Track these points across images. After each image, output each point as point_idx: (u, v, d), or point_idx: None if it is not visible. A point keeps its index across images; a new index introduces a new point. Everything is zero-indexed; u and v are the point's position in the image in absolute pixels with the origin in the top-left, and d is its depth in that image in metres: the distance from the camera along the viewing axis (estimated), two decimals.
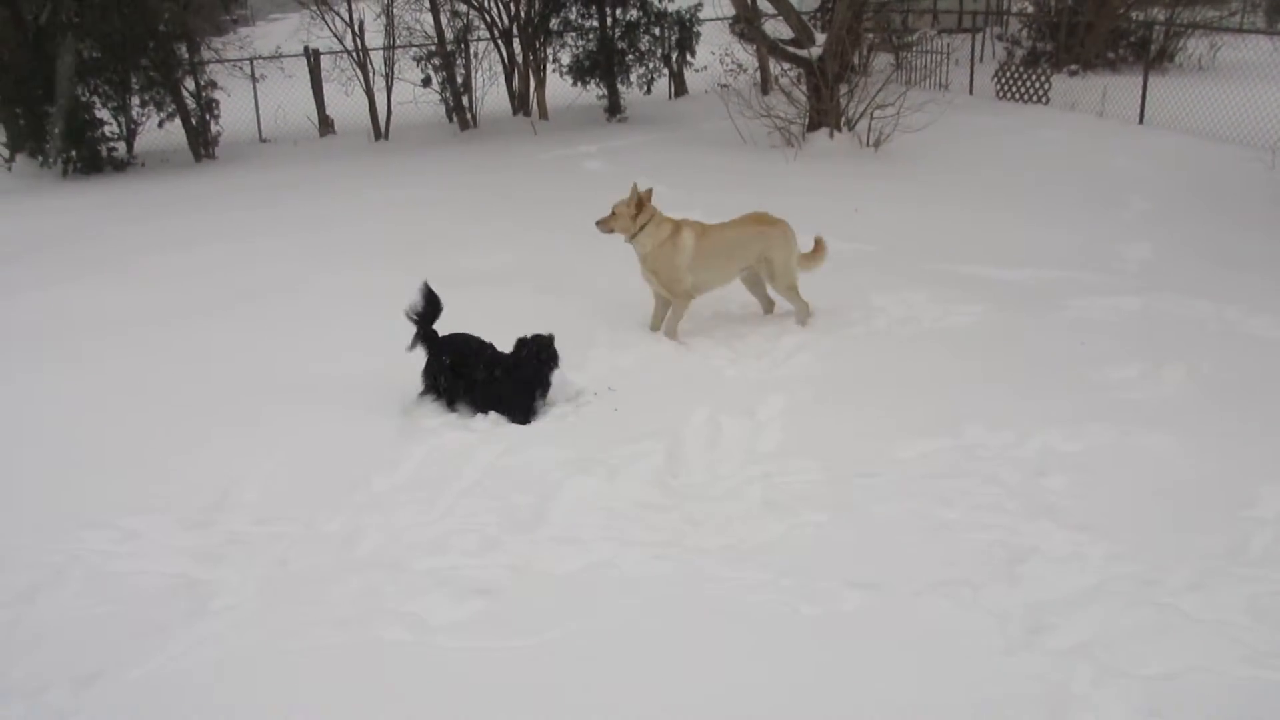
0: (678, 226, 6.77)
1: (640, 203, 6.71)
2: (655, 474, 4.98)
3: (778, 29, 16.09)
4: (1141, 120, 14.16)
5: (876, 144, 12.98)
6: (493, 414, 5.68)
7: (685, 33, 18.49)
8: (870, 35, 15.52)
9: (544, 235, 9.43)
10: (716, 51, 18.18)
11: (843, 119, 13.57)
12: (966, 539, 4.28)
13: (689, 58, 19.06)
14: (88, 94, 15.34)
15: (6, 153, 15.69)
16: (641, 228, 6.72)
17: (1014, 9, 21.94)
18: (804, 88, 14.03)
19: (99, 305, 7.84)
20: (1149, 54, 15.86)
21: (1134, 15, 19.27)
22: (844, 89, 13.57)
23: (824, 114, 13.60)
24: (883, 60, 16.92)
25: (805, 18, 15.59)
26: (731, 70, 17.48)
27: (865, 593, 3.91)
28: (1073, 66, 18.18)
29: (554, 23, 17.76)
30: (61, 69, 14.62)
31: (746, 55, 17.67)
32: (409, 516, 4.65)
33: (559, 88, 18.00)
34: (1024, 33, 19.89)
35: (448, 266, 8.30)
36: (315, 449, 5.34)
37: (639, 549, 4.29)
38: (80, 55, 15.00)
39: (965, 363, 6.25)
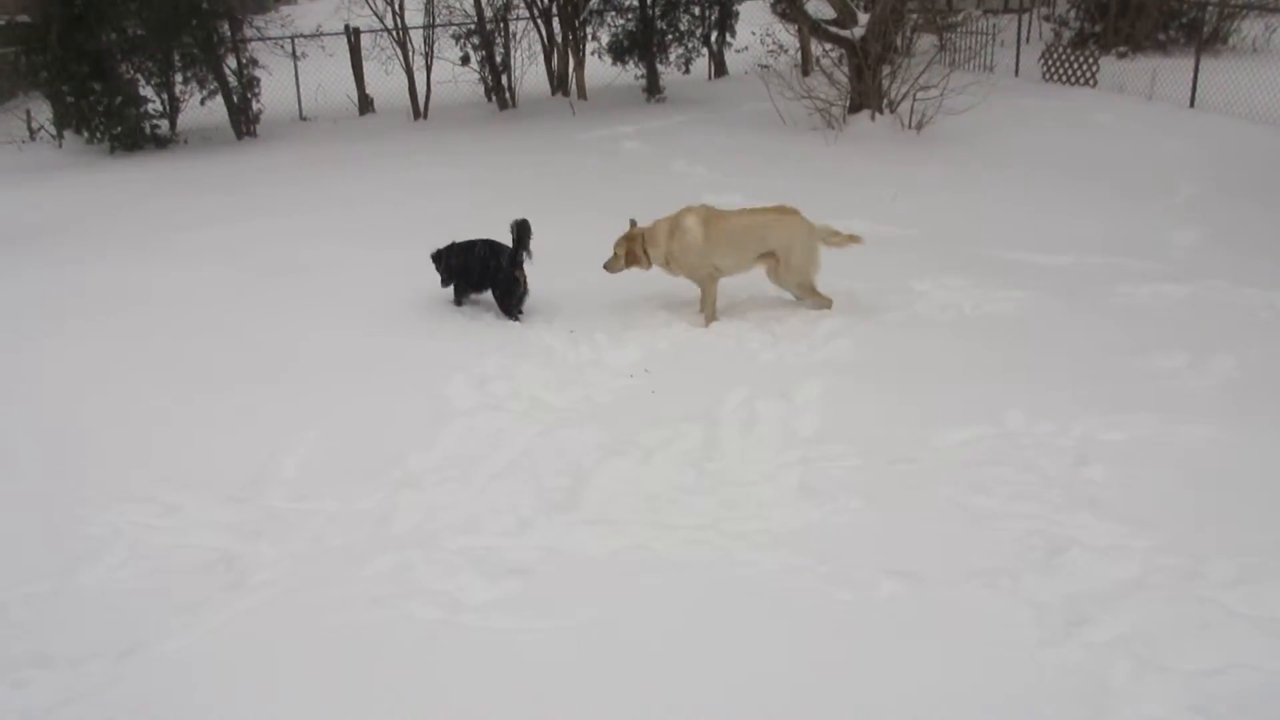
0: (676, 218, 6.73)
1: (635, 238, 6.78)
2: (691, 457, 4.96)
3: (819, 9, 15.90)
4: (1193, 104, 13.84)
5: (919, 126, 12.81)
6: (527, 395, 5.70)
7: (725, 12, 18.35)
8: (914, 16, 15.29)
9: (583, 216, 9.40)
10: (757, 32, 18.00)
11: (884, 101, 13.40)
12: (1005, 528, 4.23)
13: (729, 38, 18.92)
14: (131, 71, 15.50)
15: (55, 130, 15.92)
16: (645, 253, 6.77)
17: None
18: (845, 69, 13.86)
19: (141, 281, 7.93)
20: (1201, 35, 15.49)
21: None
22: (886, 70, 13.39)
23: (865, 95, 13.43)
24: (926, 41, 16.69)
25: None
26: (772, 51, 17.31)
27: (901, 580, 3.88)
28: (1121, 48, 17.81)
29: (594, 1, 17.67)
30: (106, 47, 14.79)
31: (787, 35, 17.49)
32: (444, 495, 4.68)
33: (597, 67, 17.93)
34: (1072, 14, 19.51)
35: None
36: (352, 426, 5.38)
37: (673, 533, 4.28)
38: (124, 33, 15.15)
39: (1006, 350, 6.16)
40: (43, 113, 16.21)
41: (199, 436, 5.32)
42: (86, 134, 15.37)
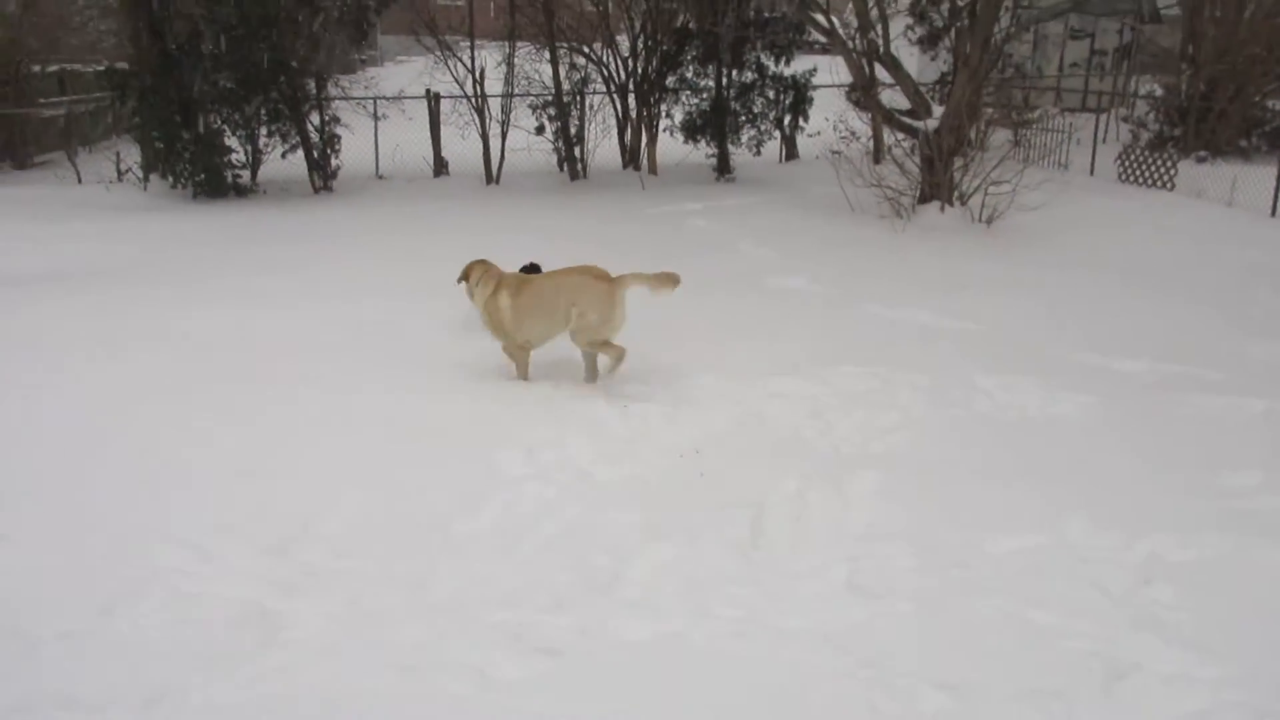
0: (498, 284, 6.82)
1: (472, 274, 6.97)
2: (737, 545, 4.84)
3: (894, 98, 15.99)
4: (1274, 213, 13.56)
5: (989, 220, 12.70)
6: (574, 468, 5.63)
7: (800, 97, 18.51)
8: (989, 110, 15.27)
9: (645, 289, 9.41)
10: (830, 117, 18.12)
11: (955, 193, 13.33)
12: (1062, 647, 4.02)
13: (802, 122, 19.06)
14: (219, 122, 16.03)
15: (142, 173, 16.49)
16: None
17: (1141, 91, 21.39)
18: (917, 159, 13.85)
19: (201, 323, 8.07)
20: None
21: (1270, 103, 18.61)
22: (958, 163, 13.35)
23: (936, 187, 13.38)
24: (1000, 136, 16.64)
25: (923, 89, 15.47)
26: (844, 137, 17.39)
27: (948, 694, 3.69)
28: (1201, 153, 17.60)
29: (670, 80, 17.96)
30: (197, 98, 15.35)
31: (860, 123, 17.57)
32: (483, 565, 4.60)
33: (669, 144, 18.15)
34: (1151, 116, 19.37)
35: None
36: (398, 487, 5.35)
37: (714, 623, 4.15)
38: (215, 84, 15.72)
39: (1069, 455, 5.95)
40: (131, 155, 16.81)
41: (242, 485, 5.32)
42: (171, 179, 15.88)
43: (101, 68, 19.01)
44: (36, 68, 20.03)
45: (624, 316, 6.69)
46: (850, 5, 14.74)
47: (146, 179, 16.46)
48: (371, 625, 4.11)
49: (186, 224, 13.36)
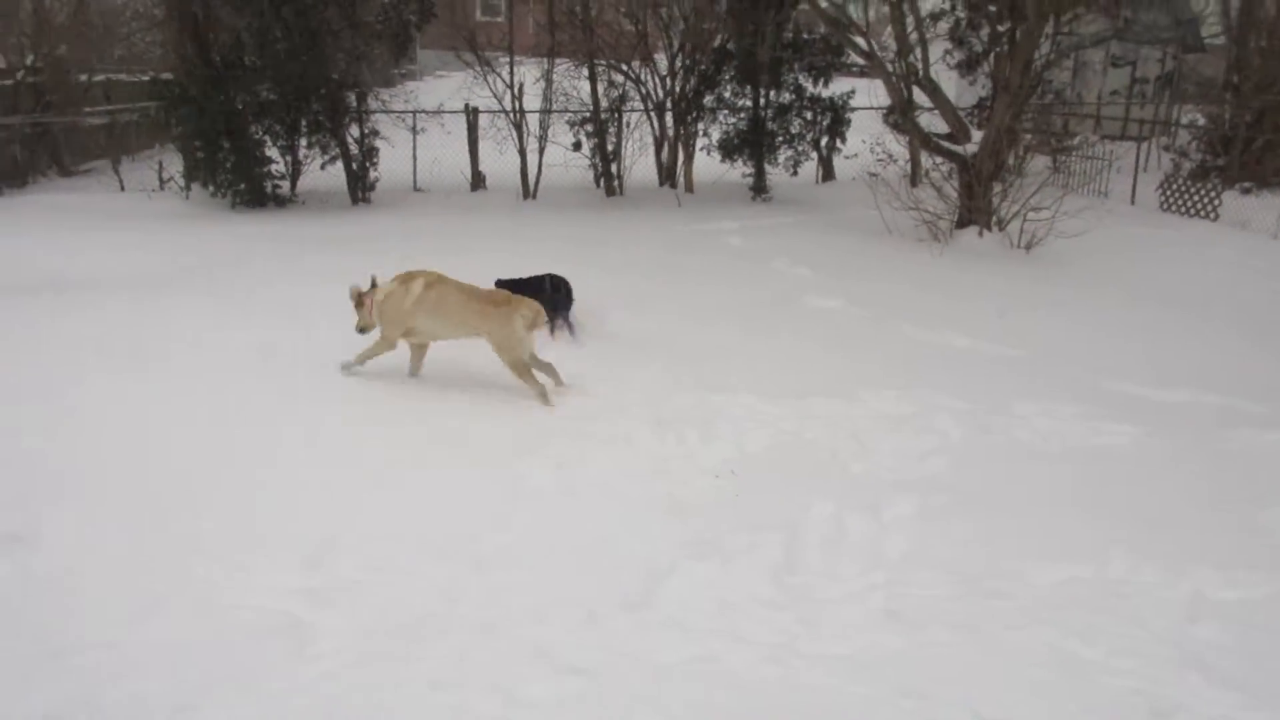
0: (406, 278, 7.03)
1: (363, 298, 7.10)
2: (771, 568, 4.77)
3: (932, 122, 15.90)
4: None
5: (1028, 246, 12.56)
6: (606, 484, 5.59)
7: (837, 119, 18.44)
8: (1028, 136, 15.15)
9: (682, 305, 9.39)
10: (867, 140, 18.05)
11: (994, 218, 13.21)
12: (1104, 683, 3.92)
13: (839, 144, 18.99)
14: (260, 133, 16.20)
15: (184, 182, 16.69)
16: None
17: (1184, 120, 21.16)
18: (955, 183, 13.75)
19: (234, 333, 8.10)
20: None
21: None
22: (997, 188, 13.23)
23: (974, 212, 13.27)
24: (1040, 162, 16.50)
25: (962, 113, 15.37)
26: (881, 160, 17.30)
27: None
28: (1246, 184, 17.35)
29: (708, 99, 17.96)
30: (239, 109, 15.55)
31: (898, 146, 17.48)
32: (513, 580, 4.56)
33: (706, 163, 18.14)
34: (1193, 145, 19.14)
35: (584, 328, 8.35)
36: (429, 500, 5.32)
37: (748, 647, 4.08)
38: (256, 96, 15.90)
39: (1112, 487, 5.84)
40: (174, 165, 17.02)
41: (272, 497, 5.31)
42: (212, 188, 16.06)
43: (146, 78, 19.34)
44: (83, 77, 20.34)
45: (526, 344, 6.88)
46: (889, 28, 14.71)
47: (188, 188, 16.65)
48: (401, 639, 4.08)
49: (225, 234, 13.46)
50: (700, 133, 18.22)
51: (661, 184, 18.21)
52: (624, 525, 5.12)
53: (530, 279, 8.46)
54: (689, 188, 17.82)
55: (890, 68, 14.37)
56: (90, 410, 6.38)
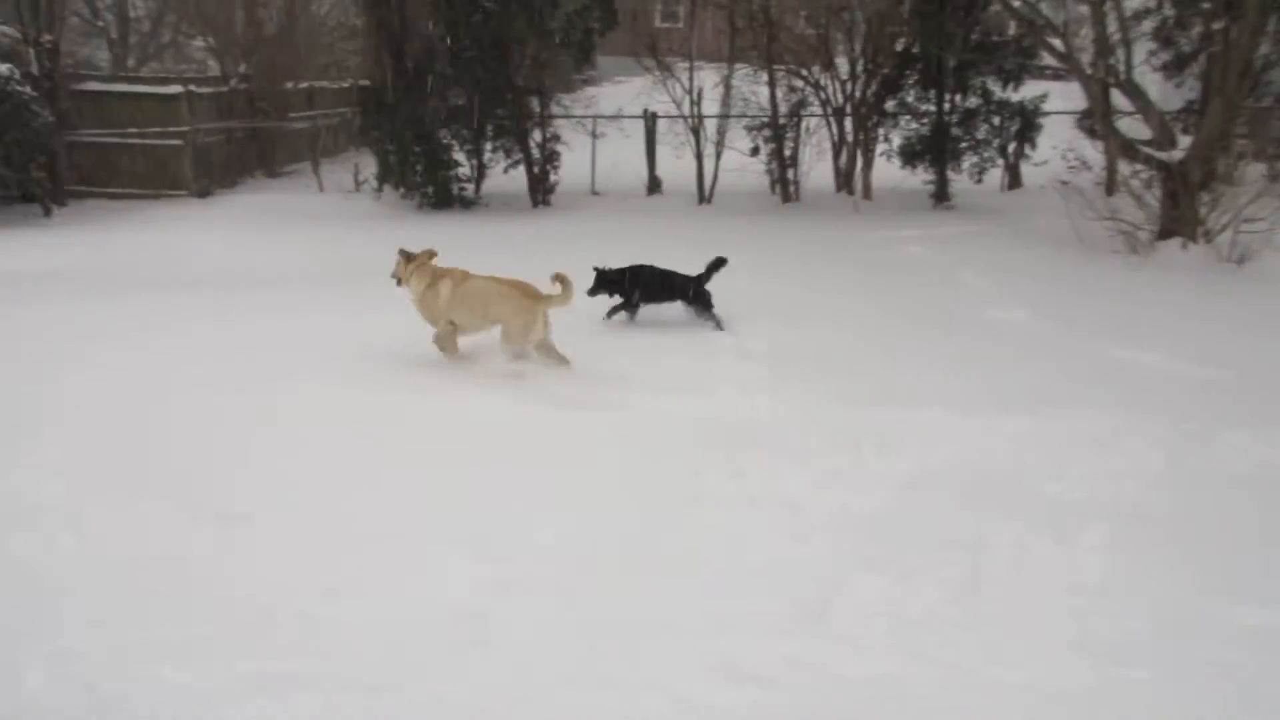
0: (436, 276, 7.71)
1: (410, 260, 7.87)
2: (954, 587, 4.58)
3: (1132, 127, 15.01)
4: None
5: (1240, 260, 11.68)
6: (782, 494, 5.51)
7: (1027, 124, 17.69)
8: (1243, 142, 14.09)
9: (860, 314, 9.21)
10: (1059, 146, 17.22)
11: (1201, 229, 12.35)
12: None
13: (1028, 150, 18.20)
14: (448, 138, 16.88)
15: (377, 184, 17.59)
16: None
17: None
18: (1157, 192, 12.93)
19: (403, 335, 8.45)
20: None
21: None
22: (1206, 197, 12.37)
23: (1179, 222, 12.43)
24: (1255, 170, 15.33)
25: (1167, 118, 14.45)
26: (1074, 167, 16.46)
27: None
28: None
29: (889, 104, 17.57)
30: (430, 114, 16.25)
31: (1093, 152, 16.61)
32: (692, 588, 4.54)
33: (885, 169, 17.74)
34: None
35: (762, 335, 8.30)
36: (611, 503, 5.38)
37: (930, 668, 3.94)
38: (446, 102, 16.58)
39: None
40: (368, 167, 17.94)
41: (457, 494, 5.48)
42: (403, 190, 16.85)
43: (346, 84, 20.44)
44: (289, 84, 21.73)
45: (543, 331, 7.53)
46: (1086, 28, 13.98)
47: (380, 189, 17.53)
48: (581, 638, 4.13)
49: (407, 231, 14.07)
50: (881, 138, 17.84)
51: (838, 190, 17.94)
52: (801, 536, 5.03)
53: (624, 269, 8.97)
54: (867, 194, 17.48)
55: (1088, 70, 13.66)
56: (290, 405, 6.76)
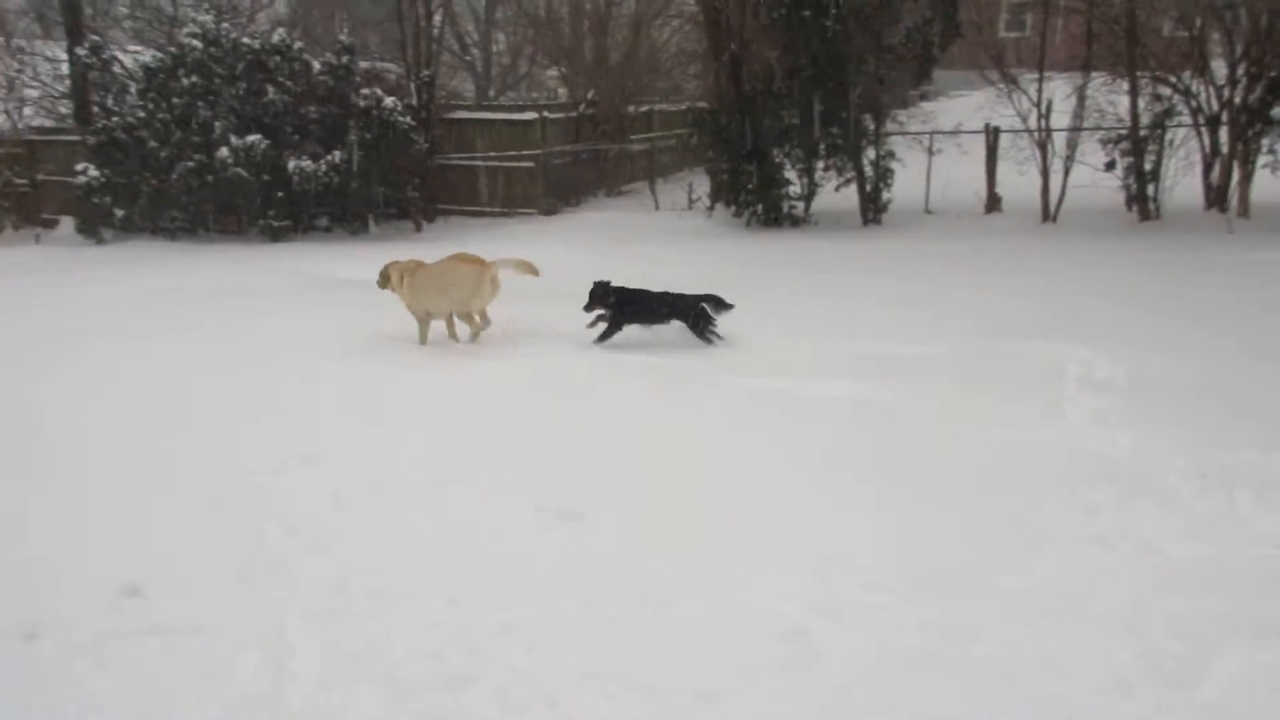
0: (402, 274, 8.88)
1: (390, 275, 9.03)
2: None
3: None
4: None
5: None
6: (1139, 537, 4.98)
7: None
8: None
9: (1225, 345, 8.21)
10: None
11: None
12: None
13: None
14: (781, 156, 16.98)
15: (709, 202, 18.05)
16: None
17: None
18: None
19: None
20: None
21: None
22: None
23: None
24: None
25: None
26: None
27: None
28: None
29: (1276, 110, 15.56)
30: (764, 133, 16.45)
31: None
32: (1037, 628, 4.21)
33: (1269, 183, 15.74)
34: None
35: (1095, 367, 7.64)
36: (934, 530, 5.12)
37: None
38: (781, 121, 16.69)
39: None
40: (702, 185, 18.44)
41: (791, 516, 5.45)
42: (734, 208, 17.15)
43: (684, 107, 21.17)
44: (630, 108, 22.82)
45: (490, 294, 8.70)
46: None
47: (712, 207, 17.97)
48: (901, 665, 3.95)
49: (739, 248, 14.31)
50: (1264, 149, 15.86)
51: (1208, 208, 16.15)
52: (1164, 589, 4.50)
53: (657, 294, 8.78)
54: (1243, 212, 15.59)
55: None
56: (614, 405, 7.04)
